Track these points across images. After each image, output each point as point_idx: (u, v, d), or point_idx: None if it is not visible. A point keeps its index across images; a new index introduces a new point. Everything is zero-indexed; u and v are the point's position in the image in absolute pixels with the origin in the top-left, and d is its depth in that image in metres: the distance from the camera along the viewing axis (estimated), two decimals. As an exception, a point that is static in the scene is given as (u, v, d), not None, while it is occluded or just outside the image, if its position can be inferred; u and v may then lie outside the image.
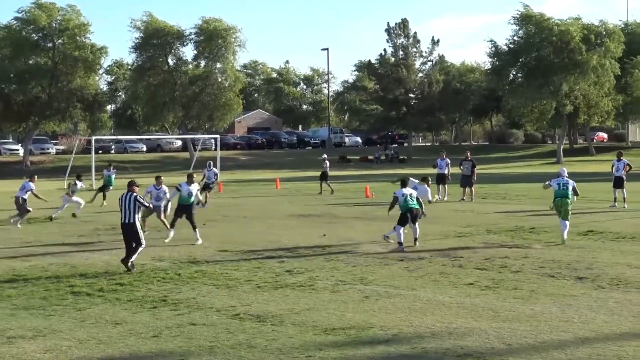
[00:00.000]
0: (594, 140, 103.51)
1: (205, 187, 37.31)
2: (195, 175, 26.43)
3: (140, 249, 19.86)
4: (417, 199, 23.65)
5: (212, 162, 40.10)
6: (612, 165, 35.18)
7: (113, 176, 40.71)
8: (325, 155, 48.88)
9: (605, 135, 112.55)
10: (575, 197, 24.74)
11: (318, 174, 45.84)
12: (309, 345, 12.38)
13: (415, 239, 23.24)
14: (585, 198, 37.11)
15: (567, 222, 23.72)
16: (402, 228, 23.13)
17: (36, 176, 32.42)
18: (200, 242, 24.15)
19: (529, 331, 12.99)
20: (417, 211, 23.42)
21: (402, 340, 12.64)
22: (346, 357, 11.79)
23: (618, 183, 34.00)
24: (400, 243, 22.65)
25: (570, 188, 24.23)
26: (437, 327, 13.40)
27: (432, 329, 13.31)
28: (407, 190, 23.66)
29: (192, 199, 25.09)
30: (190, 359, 11.87)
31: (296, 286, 17.03)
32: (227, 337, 12.88)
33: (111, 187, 39.54)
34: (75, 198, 33.55)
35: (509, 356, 11.67)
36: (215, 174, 39.21)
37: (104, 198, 38.44)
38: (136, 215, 19.76)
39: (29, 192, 29.96)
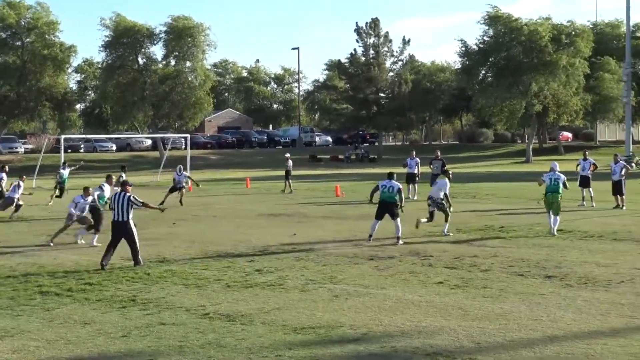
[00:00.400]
0: (559, 140, 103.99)
1: (174, 190, 37.27)
2: (105, 184, 25.82)
3: (137, 246, 20.03)
4: (398, 193, 23.74)
5: (182, 167, 39.90)
6: (578, 165, 35.42)
7: (65, 175, 40.64)
8: (288, 154, 48.87)
9: (570, 135, 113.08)
10: (564, 190, 25.73)
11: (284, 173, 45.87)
12: (279, 344, 12.36)
13: (398, 238, 23.34)
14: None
15: (558, 217, 24.96)
16: (377, 222, 23.71)
17: (24, 176, 31.87)
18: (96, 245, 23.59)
19: (498, 330, 13.03)
20: (391, 206, 23.64)
21: (372, 339, 12.64)
22: (316, 356, 11.78)
23: (584, 182, 34.24)
24: (370, 236, 23.48)
25: (560, 183, 25.36)
26: (407, 326, 13.40)
27: (401, 327, 13.31)
28: (389, 183, 23.92)
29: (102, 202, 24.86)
30: (159, 358, 11.82)
31: (266, 285, 17.00)
32: (196, 337, 12.83)
33: (64, 185, 39.48)
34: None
35: (478, 355, 11.69)
36: (186, 177, 39.06)
37: (58, 196, 38.37)
38: (129, 214, 19.87)
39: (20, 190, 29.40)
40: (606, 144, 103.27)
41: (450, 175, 26.62)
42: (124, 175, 34.60)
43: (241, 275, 18.24)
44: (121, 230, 19.91)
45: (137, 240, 20.13)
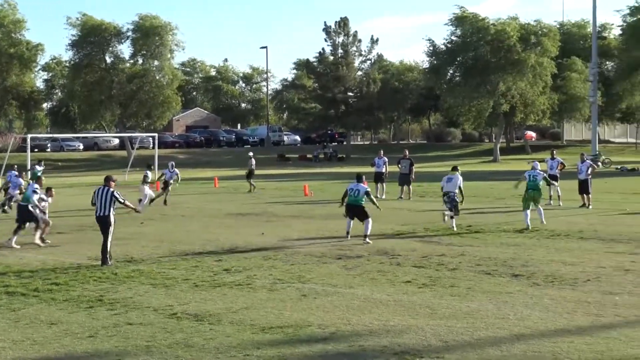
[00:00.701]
0: (526, 139, 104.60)
1: (166, 186, 37.55)
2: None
3: (109, 244, 20.14)
4: (366, 195, 24.10)
5: (174, 163, 39.87)
6: (545, 163, 35.62)
7: (39, 173, 40.54)
8: (251, 153, 48.84)
9: (534, 134, 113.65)
10: (545, 185, 27.90)
11: (255, 173, 45.84)
12: (247, 344, 12.34)
13: (366, 236, 23.53)
14: (522, 196, 37.49)
15: (541, 208, 26.95)
16: (351, 221, 24.31)
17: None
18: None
19: (466, 328, 13.07)
20: (357, 209, 23.96)
21: (340, 338, 12.64)
22: (284, 355, 11.78)
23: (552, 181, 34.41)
24: (347, 232, 24.16)
25: (540, 179, 27.00)
26: (375, 325, 13.42)
27: (369, 326, 13.33)
28: (355, 186, 24.25)
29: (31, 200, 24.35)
30: (126, 358, 11.77)
31: (234, 285, 16.96)
32: (164, 337, 12.79)
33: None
34: (147, 190, 35.26)
35: (446, 353, 11.73)
36: (177, 174, 38.82)
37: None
38: (111, 209, 20.13)
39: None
40: (573, 143, 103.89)
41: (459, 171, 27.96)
42: (149, 173, 36.19)
43: (209, 275, 18.20)
44: (103, 224, 20.21)
45: (110, 239, 20.20)
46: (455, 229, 25.95)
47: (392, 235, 24.94)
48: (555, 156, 35.56)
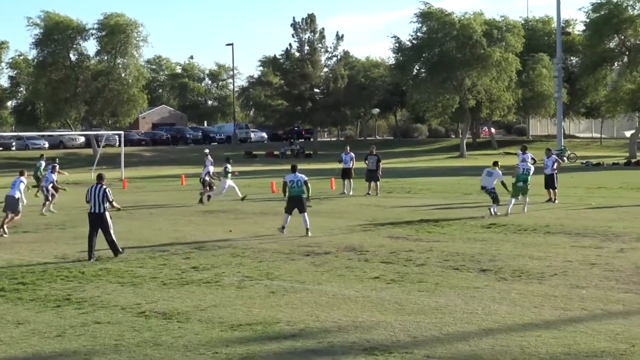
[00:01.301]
0: (492, 134, 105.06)
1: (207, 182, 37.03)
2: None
3: (113, 236, 20.71)
4: (305, 185, 24.60)
5: (208, 151, 41.37)
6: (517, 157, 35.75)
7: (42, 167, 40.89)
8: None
9: (493, 130, 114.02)
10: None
11: (220, 169, 45.72)
12: (216, 341, 12.34)
13: (307, 230, 24.09)
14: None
15: (527, 198, 29.04)
16: (288, 216, 24.60)
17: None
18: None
19: (434, 323, 13.14)
20: (299, 199, 24.45)
21: (309, 335, 12.67)
22: (253, 352, 11.78)
23: None
24: (282, 227, 24.57)
25: (530, 173, 29.00)
26: (344, 321, 13.45)
27: (338, 323, 13.36)
28: (294, 176, 24.69)
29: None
30: (95, 358, 11.73)
31: (202, 283, 16.95)
32: (132, 335, 12.76)
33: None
34: (229, 182, 36.32)
35: (414, 349, 11.77)
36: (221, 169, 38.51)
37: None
38: (105, 206, 20.58)
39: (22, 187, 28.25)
40: (538, 138, 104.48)
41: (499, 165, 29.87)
42: (229, 166, 37.01)
43: (177, 273, 18.17)
44: (97, 221, 20.58)
45: (112, 232, 20.71)
46: (497, 214, 27.78)
47: (360, 232, 24.94)
48: (526, 151, 35.59)
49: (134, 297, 15.64)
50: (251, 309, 14.47)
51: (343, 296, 15.38)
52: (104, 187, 20.84)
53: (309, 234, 23.94)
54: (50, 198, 32.94)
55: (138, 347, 12.11)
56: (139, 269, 18.79)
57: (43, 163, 42.64)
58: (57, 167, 35.83)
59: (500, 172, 28.94)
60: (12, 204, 26.45)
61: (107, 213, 20.78)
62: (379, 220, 27.81)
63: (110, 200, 20.77)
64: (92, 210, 20.73)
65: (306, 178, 24.88)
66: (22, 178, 27.43)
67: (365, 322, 13.40)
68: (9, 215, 26.28)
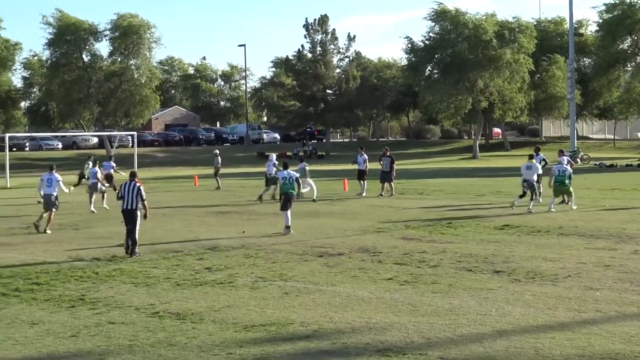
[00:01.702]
0: (504, 136, 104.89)
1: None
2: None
3: (136, 236, 21.12)
4: (296, 183, 25.56)
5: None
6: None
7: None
8: (217, 151, 48.87)
9: (499, 131, 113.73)
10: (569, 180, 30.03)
11: (236, 171, 45.90)
12: (229, 342, 12.34)
13: (287, 227, 24.86)
14: (501, 193, 37.70)
15: (573, 197, 30.16)
16: (287, 212, 25.02)
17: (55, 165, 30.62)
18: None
19: (448, 325, 13.11)
20: (290, 196, 25.16)
21: (322, 336, 12.65)
22: (266, 353, 11.78)
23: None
24: (287, 227, 24.98)
25: (567, 175, 29.74)
26: (357, 323, 13.42)
27: (352, 324, 13.33)
28: (287, 173, 25.51)
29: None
30: (109, 358, 11.74)
31: (216, 283, 16.94)
32: (146, 336, 12.77)
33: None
34: (309, 180, 36.68)
35: (428, 350, 11.75)
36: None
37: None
38: (138, 203, 21.22)
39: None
40: (551, 139, 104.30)
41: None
42: (306, 166, 37.92)
43: (191, 274, 18.17)
44: (130, 217, 21.25)
45: (137, 231, 21.15)
46: (533, 211, 29.06)
47: (373, 233, 24.92)
48: (539, 153, 35.47)
49: (148, 298, 15.64)
50: (265, 309, 14.45)
51: (356, 297, 15.35)
52: (138, 184, 21.43)
53: (290, 232, 24.75)
54: (95, 194, 34.19)
55: (152, 347, 12.13)
56: (153, 270, 18.81)
57: (91, 163, 42.90)
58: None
59: (539, 165, 30.41)
60: (51, 203, 27.14)
61: (139, 211, 21.27)
62: (392, 221, 27.78)
63: (144, 198, 21.32)
64: (125, 207, 21.29)
65: (297, 176, 25.93)
66: (57, 175, 27.82)
67: (378, 323, 13.36)
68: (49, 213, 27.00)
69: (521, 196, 30.30)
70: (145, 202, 21.57)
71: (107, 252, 21.71)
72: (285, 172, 25.68)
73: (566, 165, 30.71)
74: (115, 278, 17.80)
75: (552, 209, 29.47)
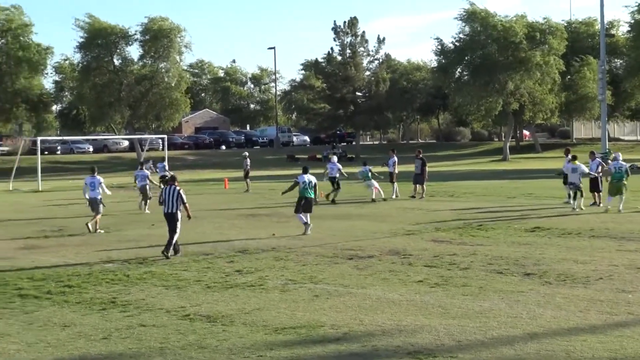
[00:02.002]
0: (532, 138, 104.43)
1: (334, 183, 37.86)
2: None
3: (175, 238, 21.48)
4: (314, 188, 26.09)
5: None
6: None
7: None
8: (246, 153, 49.13)
9: (527, 133, 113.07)
10: (627, 177, 30.74)
11: (266, 173, 45.98)
12: (260, 345, 12.35)
13: (305, 223, 25.73)
14: (532, 195, 37.52)
15: (624, 196, 30.26)
16: (301, 215, 25.75)
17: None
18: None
19: (478, 327, 13.06)
20: (310, 200, 25.82)
21: (353, 338, 12.63)
22: (297, 356, 11.78)
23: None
24: (306, 224, 25.77)
25: (624, 170, 30.41)
26: (387, 325, 13.39)
27: (382, 326, 13.31)
28: (307, 178, 25.87)
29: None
30: (140, 360, 11.81)
31: (246, 286, 16.96)
32: (177, 338, 12.80)
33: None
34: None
35: (459, 353, 11.72)
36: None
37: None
38: (179, 207, 21.66)
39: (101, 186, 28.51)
40: (582, 141, 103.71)
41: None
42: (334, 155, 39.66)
43: (221, 276, 18.20)
44: (170, 220, 21.62)
45: (178, 233, 21.58)
46: (583, 208, 30.33)
47: (403, 235, 24.87)
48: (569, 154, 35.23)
49: (179, 300, 15.67)
50: (295, 312, 14.45)
51: (387, 300, 15.32)
52: (178, 188, 21.89)
53: (308, 232, 25.43)
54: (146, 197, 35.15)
55: (183, 350, 12.16)
56: (183, 272, 18.85)
57: (150, 167, 43.73)
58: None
59: (583, 166, 30.96)
60: (97, 205, 28.00)
61: (179, 213, 21.69)
62: (422, 223, 27.72)
63: (185, 201, 21.74)
64: (166, 211, 21.71)
65: (316, 181, 26.41)
66: (99, 177, 28.46)
67: (409, 325, 13.33)
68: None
69: (572, 197, 31.12)
70: (187, 205, 21.94)
71: (137, 254, 21.82)
72: (304, 176, 25.99)
73: (622, 162, 31.07)
74: (146, 281, 17.87)
75: (621, 209, 29.90)
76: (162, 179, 38.18)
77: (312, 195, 25.98)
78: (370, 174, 37.36)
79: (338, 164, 38.20)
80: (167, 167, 43.49)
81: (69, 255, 22.12)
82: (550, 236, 23.74)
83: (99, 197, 28.05)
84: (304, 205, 25.78)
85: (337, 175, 37.43)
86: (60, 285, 17.45)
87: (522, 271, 17.98)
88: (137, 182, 35.76)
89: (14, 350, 12.40)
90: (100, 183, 28.24)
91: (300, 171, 26.86)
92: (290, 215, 31.23)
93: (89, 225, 27.41)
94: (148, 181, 35.31)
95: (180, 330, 13.33)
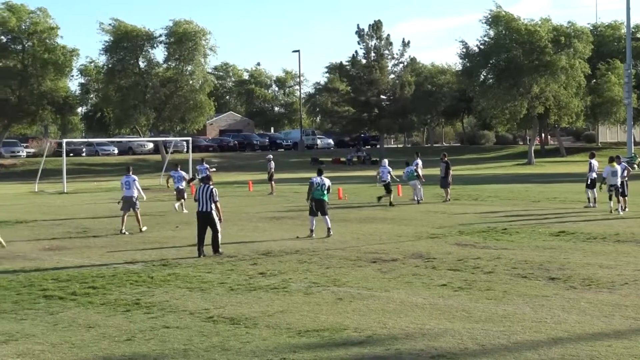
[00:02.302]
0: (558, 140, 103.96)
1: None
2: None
3: (219, 235, 22.09)
4: (327, 190, 26.32)
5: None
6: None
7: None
8: (270, 156, 49.21)
9: (547, 137, 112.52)
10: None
11: (290, 176, 46.03)
12: (283, 347, 12.35)
13: (328, 229, 25.71)
14: (557, 199, 37.36)
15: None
16: (314, 218, 25.81)
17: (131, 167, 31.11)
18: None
19: (502, 332, 13.01)
20: (322, 202, 25.88)
21: (376, 341, 12.61)
22: (320, 358, 11.76)
23: (593, 184, 34.14)
24: (311, 231, 25.84)
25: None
26: (411, 329, 13.37)
27: (405, 330, 13.29)
28: (320, 180, 25.98)
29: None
30: (163, 362, 11.84)
31: (269, 288, 16.97)
32: (200, 340, 12.82)
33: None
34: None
35: (483, 357, 11.68)
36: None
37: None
38: (212, 205, 22.06)
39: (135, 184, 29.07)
40: (607, 145, 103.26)
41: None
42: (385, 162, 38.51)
43: (244, 279, 18.22)
44: (205, 219, 22.07)
45: (219, 229, 22.14)
46: (621, 212, 30.46)
47: (427, 239, 24.83)
48: (593, 158, 35.10)
49: (202, 302, 15.70)
50: (318, 315, 14.45)
51: (410, 303, 15.28)
52: (211, 187, 22.38)
53: (330, 234, 25.56)
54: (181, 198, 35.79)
55: (206, 352, 12.18)
56: (207, 275, 18.87)
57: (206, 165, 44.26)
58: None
59: (619, 167, 31.29)
60: (132, 203, 28.52)
61: (214, 212, 22.09)
62: (446, 227, 27.65)
63: (216, 200, 22.16)
64: (200, 209, 22.14)
65: (330, 183, 26.56)
66: (133, 176, 28.95)
67: (432, 329, 13.30)
68: (127, 214, 28.29)
69: (609, 199, 31.18)
70: (218, 204, 22.30)
71: (161, 256, 21.88)
72: (318, 178, 26.02)
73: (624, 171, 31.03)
74: (170, 282, 17.91)
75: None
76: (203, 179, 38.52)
77: (325, 198, 26.11)
78: (415, 174, 37.31)
79: (389, 167, 38.04)
80: (208, 167, 43.82)
81: (94, 257, 22.21)
82: (575, 241, 23.59)
83: (134, 195, 28.53)
84: (316, 206, 25.92)
85: (389, 179, 37.21)
86: (84, 286, 17.54)
87: (546, 275, 17.89)
88: (174, 182, 36.39)
89: (39, 350, 12.46)
90: (134, 181, 28.73)
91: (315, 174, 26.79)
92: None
93: (141, 227, 28.20)
94: (184, 182, 36.26)
95: (204, 332, 13.35)
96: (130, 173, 28.97)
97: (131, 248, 23.75)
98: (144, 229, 28.07)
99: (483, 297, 15.77)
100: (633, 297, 15.47)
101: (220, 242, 22.18)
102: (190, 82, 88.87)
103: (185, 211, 34.11)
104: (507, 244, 23.14)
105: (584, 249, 21.97)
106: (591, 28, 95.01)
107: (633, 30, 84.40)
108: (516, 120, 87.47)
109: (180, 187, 35.96)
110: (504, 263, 19.71)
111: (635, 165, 62.86)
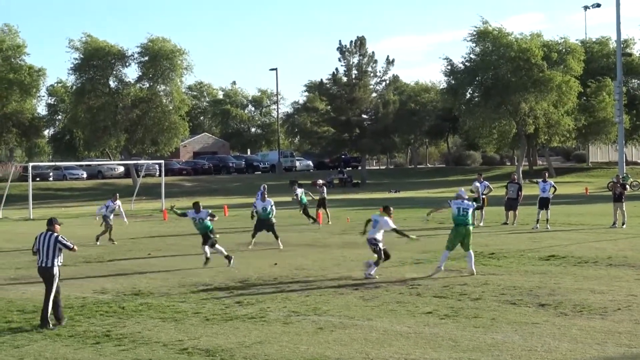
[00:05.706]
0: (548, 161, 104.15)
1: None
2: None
3: (50, 301, 16.67)
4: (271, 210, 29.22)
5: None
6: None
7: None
8: (320, 181, 46.58)
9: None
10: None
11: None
12: (261, 381, 11.93)
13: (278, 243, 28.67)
14: (546, 221, 36.95)
15: None
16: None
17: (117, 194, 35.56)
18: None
19: (491, 362, 12.72)
20: (267, 221, 29.26)
21: (359, 373, 12.25)
22: (300, 393, 11.32)
23: (543, 204, 35.10)
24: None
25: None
26: (395, 359, 13.11)
27: (389, 361, 12.96)
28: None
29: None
30: (134, 397, 11.33)
31: (247, 318, 16.60)
32: (174, 373, 12.38)
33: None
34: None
35: (471, 389, 11.30)
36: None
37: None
38: (55, 259, 16.85)
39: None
40: (598, 165, 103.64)
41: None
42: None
43: (220, 308, 17.83)
44: (44, 277, 17.07)
45: (52, 295, 17.05)
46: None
47: (411, 264, 24.49)
48: (547, 179, 36.25)
49: (176, 333, 15.34)
50: (298, 345, 14.14)
51: (394, 332, 14.99)
52: (56, 234, 16.94)
53: (280, 246, 28.73)
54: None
55: (180, 386, 11.70)
56: (181, 304, 18.46)
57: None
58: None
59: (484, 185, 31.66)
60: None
61: (56, 268, 16.86)
62: (430, 252, 27.10)
63: (70, 246, 17.04)
64: (40, 264, 16.95)
65: (272, 204, 29.65)
66: (119, 202, 34.33)
67: (417, 359, 13.01)
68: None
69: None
70: (75, 247, 17.51)
71: (133, 285, 21.45)
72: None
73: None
74: (142, 313, 17.47)
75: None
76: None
77: (269, 217, 29.10)
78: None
79: (485, 182, 38.34)
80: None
81: (61, 286, 21.47)
82: (565, 265, 23.38)
83: (109, 215, 32.93)
84: (262, 226, 29.26)
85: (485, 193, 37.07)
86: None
87: (536, 302, 17.64)
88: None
89: (2, 387, 11.94)
90: (119, 207, 33.70)
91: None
92: (294, 244, 30.79)
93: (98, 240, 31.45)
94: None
95: (178, 365, 12.91)
96: (117, 200, 33.91)
97: (101, 276, 23.21)
98: (98, 243, 31.44)
99: (470, 325, 15.48)
100: (626, 324, 15.27)
101: (62, 308, 17.04)
102: (164, 102, 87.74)
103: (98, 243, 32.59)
104: (495, 269, 22.88)
105: (575, 273, 21.76)
106: (580, 44, 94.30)
107: (622, 45, 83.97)
108: (506, 140, 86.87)
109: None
110: (491, 289, 19.42)
111: (628, 186, 62.51)
